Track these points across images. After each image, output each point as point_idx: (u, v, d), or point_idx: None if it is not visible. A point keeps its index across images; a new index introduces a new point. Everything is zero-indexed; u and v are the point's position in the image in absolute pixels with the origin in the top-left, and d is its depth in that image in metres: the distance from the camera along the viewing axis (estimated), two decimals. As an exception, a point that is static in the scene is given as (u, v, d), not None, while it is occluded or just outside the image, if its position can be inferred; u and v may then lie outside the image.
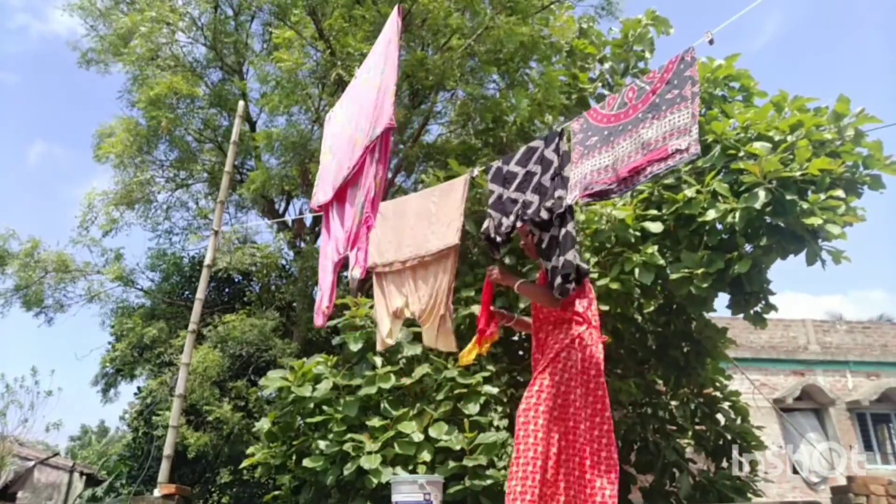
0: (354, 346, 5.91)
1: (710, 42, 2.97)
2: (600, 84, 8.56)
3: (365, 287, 6.31)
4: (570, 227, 3.29)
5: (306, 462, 5.37)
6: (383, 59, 3.37)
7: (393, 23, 3.43)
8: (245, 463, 6.13)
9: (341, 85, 8.15)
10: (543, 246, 3.41)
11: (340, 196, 3.68)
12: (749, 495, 6.88)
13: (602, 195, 3.29)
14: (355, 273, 3.13)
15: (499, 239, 3.75)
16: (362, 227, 3.19)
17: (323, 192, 3.96)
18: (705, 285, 5.28)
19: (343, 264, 3.79)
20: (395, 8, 3.50)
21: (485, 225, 3.83)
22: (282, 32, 7.92)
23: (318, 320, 3.91)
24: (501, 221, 3.73)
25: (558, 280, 3.22)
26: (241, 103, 7.14)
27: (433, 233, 4.13)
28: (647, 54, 8.27)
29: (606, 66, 8.51)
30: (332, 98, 8.31)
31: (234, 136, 6.80)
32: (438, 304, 3.98)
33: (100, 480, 14.00)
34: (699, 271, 5.31)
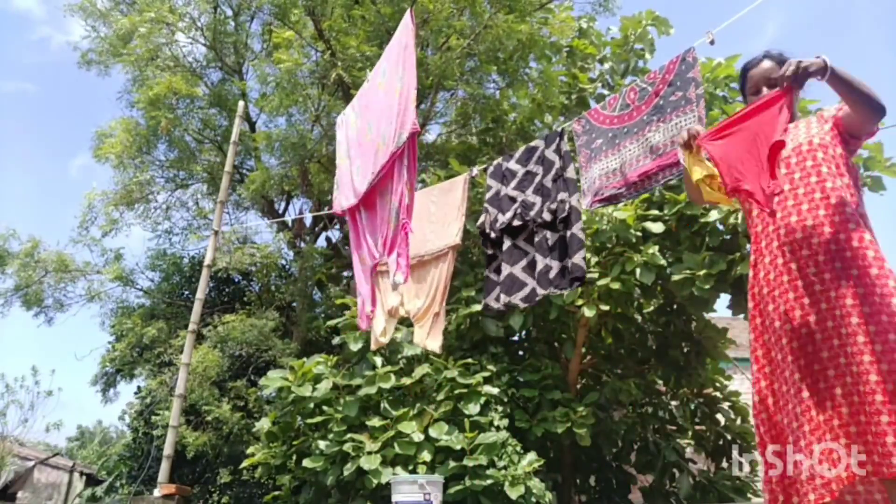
0: (354, 346, 5.92)
1: (711, 42, 2.96)
2: (600, 84, 8.56)
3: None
4: (575, 229, 3.29)
5: (306, 462, 5.37)
6: (401, 65, 3.37)
7: (406, 27, 3.43)
8: (245, 463, 6.13)
9: (341, 86, 8.14)
10: (550, 244, 3.41)
11: (367, 201, 3.68)
12: (749, 495, 6.89)
13: (613, 199, 3.30)
14: (398, 278, 3.13)
15: (493, 235, 3.77)
16: (400, 233, 3.20)
17: (345, 196, 3.98)
18: (707, 286, 5.29)
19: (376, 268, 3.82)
20: (408, 12, 3.50)
21: (481, 219, 3.86)
22: (281, 33, 7.92)
23: (363, 324, 3.99)
24: (497, 217, 3.75)
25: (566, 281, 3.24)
26: (240, 103, 7.13)
27: (432, 232, 4.13)
28: (648, 55, 8.28)
29: (606, 66, 8.51)
30: (332, 98, 8.31)
31: (233, 136, 6.79)
32: (434, 303, 3.99)
33: (100, 480, 14.01)
34: (701, 273, 5.31)
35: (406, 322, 4.92)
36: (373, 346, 4.42)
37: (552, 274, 3.34)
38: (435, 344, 3.93)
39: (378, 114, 3.60)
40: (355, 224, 3.95)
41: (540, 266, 3.39)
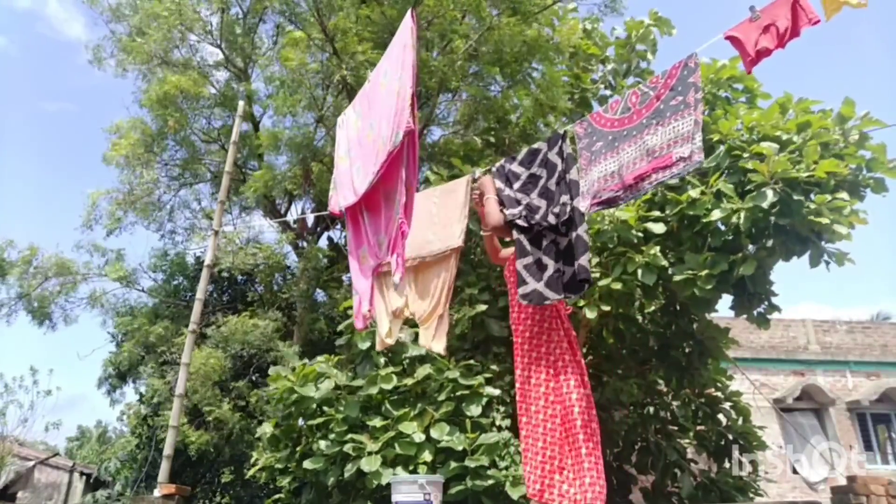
0: (363, 345, 5.89)
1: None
2: (602, 86, 8.56)
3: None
4: (580, 230, 3.28)
5: (307, 464, 5.37)
6: (399, 64, 3.37)
7: (407, 27, 3.43)
8: (252, 471, 6.13)
9: (345, 87, 8.14)
10: (561, 248, 3.40)
11: (369, 201, 3.67)
12: (751, 495, 6.90)
13: (610, 202, 3.31)
14: (396, 279, 3.15)
15: None
16: (399, 233, 3.20)
17: (343, 196, 3.97)
18: (709, 287, 5.28)
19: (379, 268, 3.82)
20: (409, 12, 3.49)
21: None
22: (291, 34, 7.94)
23: (359, 323, 3.97)
24: None
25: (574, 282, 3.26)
26: (240, 103, 7.14)
27: (434, 234, 4.12)
28: (650, 55, 8.28)
29: (609, 67, 8.52)
30: (337, 99, 8.31)
31: (234, 136, 6.80)
32: (439, 305, 3.99)
33: (100, 480, 14.01)
34: (703, 273, 5.30)
35: (411, 322, 4.92)
36: (378, 347, 4.42)
37: (566, 278, 3.33)
38: (440, 346, 3.94)
39: (380, 114, 3.60)
40: (355, 223, 3.94)
41: (551, 270, 3.38)
